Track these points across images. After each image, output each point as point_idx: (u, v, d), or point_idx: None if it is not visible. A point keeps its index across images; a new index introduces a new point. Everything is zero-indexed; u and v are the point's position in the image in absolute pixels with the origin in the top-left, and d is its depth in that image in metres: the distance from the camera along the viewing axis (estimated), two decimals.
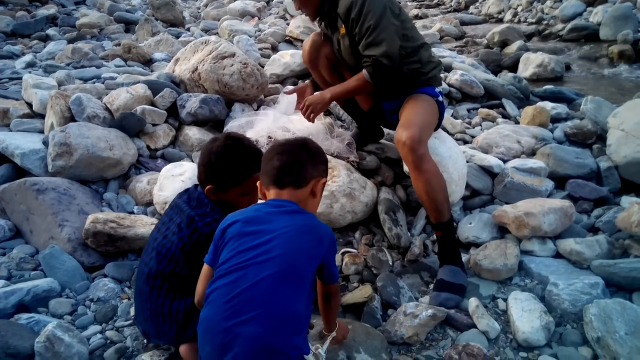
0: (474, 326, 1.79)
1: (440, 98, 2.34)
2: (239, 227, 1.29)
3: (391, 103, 2.43)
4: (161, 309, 1.50)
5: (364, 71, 2.18)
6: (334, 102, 2.92)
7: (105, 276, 2.00)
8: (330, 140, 2.59)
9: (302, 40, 5.00)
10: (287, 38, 5.17)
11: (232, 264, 1.22)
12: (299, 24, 5.11)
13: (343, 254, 2.19)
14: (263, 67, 3.79)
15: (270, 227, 1.27)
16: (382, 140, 2.81)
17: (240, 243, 1.25)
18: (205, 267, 1.35)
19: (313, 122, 2.42)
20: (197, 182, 1.63)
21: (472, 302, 1.84)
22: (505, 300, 1.91)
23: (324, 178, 1.46)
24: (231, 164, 1.56)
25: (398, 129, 2.05)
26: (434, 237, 2.32)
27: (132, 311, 1.82)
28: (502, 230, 2.25)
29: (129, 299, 1.90)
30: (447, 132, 3.13)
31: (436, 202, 2.00)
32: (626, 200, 2.40)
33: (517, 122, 3.38)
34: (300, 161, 1.40)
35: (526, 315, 1.76)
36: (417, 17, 9.60)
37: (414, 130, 1.99)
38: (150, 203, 2.37)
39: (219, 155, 1.55)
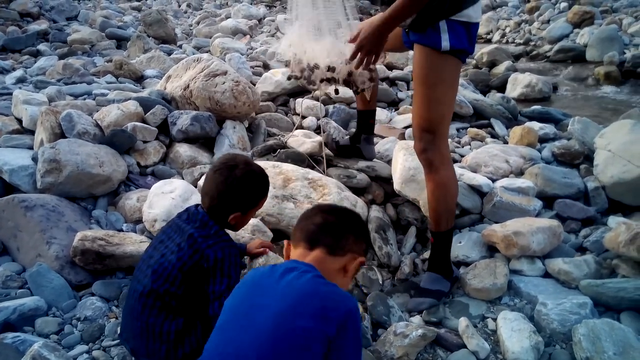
0: (464, 346, 1.79)
1: (447, 42, 1.80)
2: (234, 300, 1.18)
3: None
4: (152, 328, 1.48)
5: None
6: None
7: (93, 295, 1.97)
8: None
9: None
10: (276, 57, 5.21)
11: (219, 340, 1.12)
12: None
13: None
14: (255, 84, 3.81)
15: (264, 296, 1.11)
16: (374, 160, 2.83)
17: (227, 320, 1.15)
18: None
19: (374, 65, 2.06)
20: (199, 204, 1.67)
21: (462, 322, 1.84)
22: (494, 319, 1.91)
23: (362, 258, 1.28)
24: (255, 186, 1.67)
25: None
26: (424, 255, 2.33)
27: (120, 330, 1.79)
28: (491, 250, 2.27)
29: (116, 318, 1.88)
30: None
31: (435, 212, 2.00)
32: (613, 220, 2.43)
33: (505, 142, 3.42)
34: (345, 228, 1.27)
35: (516, 335, 1.76)
36: None
37: (418, 136, 1.96)
38: (139, 220, 2.36)
39: (242, 181, 1.61)
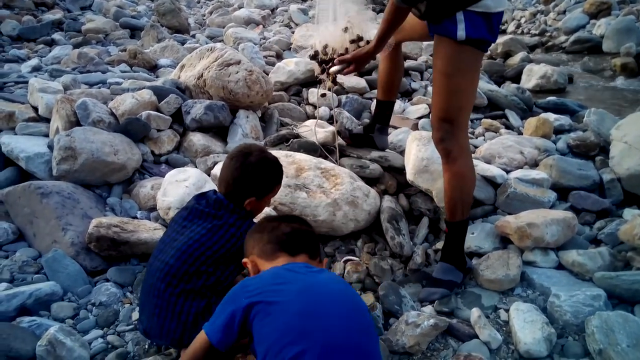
0: (476, 336, 1.78)
1: (463, 31, 1.79)
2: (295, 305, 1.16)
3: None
4: (173, 307, 1.50)
5: None
6: None
7: (108, 280, 2.00)
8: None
9: (306, 49, 5.03)
10: (291, 46, 5.20)
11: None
12: (304, 32, 5.13)
13: (345, 262, 2.19)
14: (268, 74, 3.81)
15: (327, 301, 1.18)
16: (386, 150, 2.82)
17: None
18: (204, 341, 1.23)
19: (345, 73, 2.32)
20: (215, 189, 1.77)
21: (474, 313, 1.84)
22: (507, 311, 1.90)
23: (325, 259, 1.49)
24: (270, 173, 1.76)
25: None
26: (437, 246, 2.32)
27: (134, 316, 1.82)
28: (504, 241, 2.25)
29: (130, 303, 1.90)
30: None
31: (451, 201, 1.99)
32: (629, 212, 2.40)
33: (520, 133, 3.39)
34: (311, 232, 1.41)
35: (528, 327, 1.75)
36: None
37: (436, 126, 1.95)
38: (153, 208, 2.38)
39: (257, 168, 1.70)
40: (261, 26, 7.04)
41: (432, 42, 1.97)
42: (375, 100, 2.94)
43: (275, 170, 1.78)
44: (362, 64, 2.30)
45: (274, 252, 1.31)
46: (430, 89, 4.10)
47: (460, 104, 1.93)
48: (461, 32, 1.80)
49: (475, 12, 1.79)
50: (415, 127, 3.40)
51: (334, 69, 2.33)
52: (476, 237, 2.26)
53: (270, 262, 1.31)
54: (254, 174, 1.69)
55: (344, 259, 2.20)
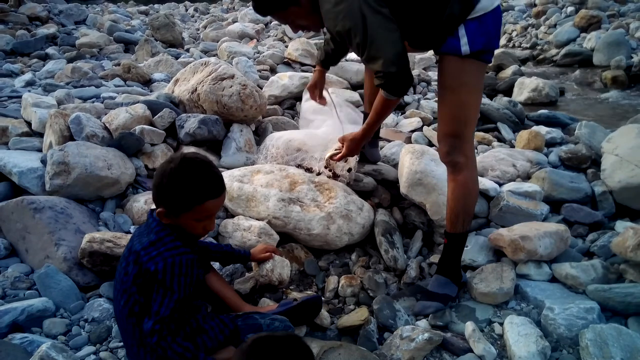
0: (471, 350, 1.78)
1: (466, 46, 1.83)
2: None
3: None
4: (136, 342, 1.51)
5: (381, 90, 1.95)
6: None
7: (101, 296, 1.99)
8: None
9: (300, 63, 5.06)
10: (285, 60, 5.23)
11: None
12: (297, 46, 5.17)
13: (339, 275, 2.19)
14: (261, 88, 3.83)
15: None
16: (379, 163, 2.83)
17: None
18: None
19: (338, 159, 2.43)
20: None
21: (469, 326, 1.84)
22: (501, 324, 1.91)
23: None
24: (183, 188, 1.45)
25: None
26: (431, 259, 2.33)
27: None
28: (497, 254, 2.26)
29: None
30: None
31: (453, 212, 2.00)
32: (621, 225, 2.42)
33: (512, 146, 3.42)
34: None
35: (522, 340, 1.75)
36: None
37: (442, 141, 1.97)
38: None
39: (171, 177, 1.45)
40: (255, 40, 7.08)
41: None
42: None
43: (195, 182, 1.45)
44: (353, 152, 2.36)
45: None
46: (423, 102, 4.13)
47: (467, 118, 1.95)
48: (465, 47, 1.83)
49: (475, 18, 1.81)
50: (408, 140, 3.42)
51: (327, 154, 2.49)
52: (470, 250, 2.26)
53: None
54: (166, 183, 1.45)
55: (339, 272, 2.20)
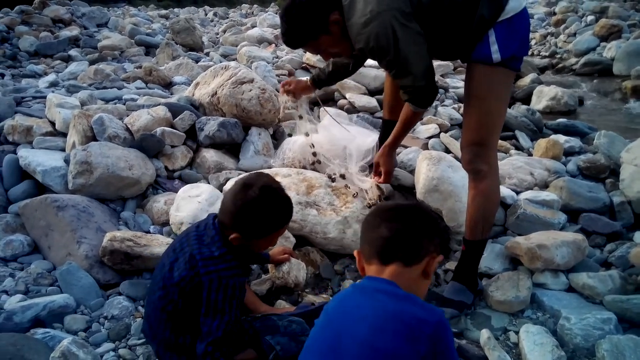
0: (485, 358, 1.78)
1: (497, 53, 1.80)
2: (321, 319, 1.15)
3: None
4: (168, 341, 1.53)
5: (408, 103, 2.01)
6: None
7: (120, 294, 2.02)
8: None
9: (318, 67, 5.08)
10: (303, 65, 5.26)
11: None
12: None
13: (355, 279, 2.20)
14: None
15: (346, 322, 1.09)
16: (396, 169, 2.84)
17: (314, 340, 1.14)
18: None
19: (389, 180, 2.42)
20: (217, 213, 1.58)
21: (484, 334, 1.84)
22: (516, 333, 1.90)
23: (440, 257, 1.22)
24: (266, 219, 1.49)
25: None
26: (446, 266, 2.33)
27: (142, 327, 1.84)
28: (514, 262, 2.25)
29: (142, 317, 1.92)
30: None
31: (473, 219, 2.00)
32: (639, 235, 2.40)
33: (530, 154, 3.40)
34: (415, 232, 1.17)
35: (538, 349, 1.75)
36: None
37: (466, 148, 1.96)
38: (166, 223, 2.41)
39: (253, 207, 1.47)
40: (274, 45, 7.13)
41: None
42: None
43: (275, 212, 1.51)
44: (389, 166, 2.35)
45: (370, 256, 1.18)
46: (440, 109, 4.12)
47: (493, 126, 1.94)
48: (496, 55, 1.82)
49: (505, 20, 1.80)
50: (425, 146, 3.41)
51: (375, 181, 2.43)
52: (486, 257, 2.26)
53: (367, 264, 1.20)
54: (247, 212, 1.47)
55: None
